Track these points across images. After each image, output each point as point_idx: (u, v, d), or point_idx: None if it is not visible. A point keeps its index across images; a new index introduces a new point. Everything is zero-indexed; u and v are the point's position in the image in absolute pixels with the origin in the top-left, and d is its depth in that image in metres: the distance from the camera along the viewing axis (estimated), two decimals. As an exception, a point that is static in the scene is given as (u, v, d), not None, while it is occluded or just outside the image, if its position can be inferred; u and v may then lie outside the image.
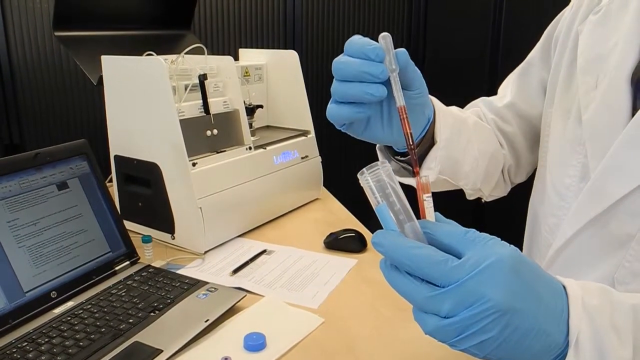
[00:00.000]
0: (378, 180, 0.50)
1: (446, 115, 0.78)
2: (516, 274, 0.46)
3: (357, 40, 0.59)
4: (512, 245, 0.47)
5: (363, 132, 0.67)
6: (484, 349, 0.46)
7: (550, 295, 0.48)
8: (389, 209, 0.49)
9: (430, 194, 0.51)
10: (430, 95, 0.76)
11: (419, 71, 0.65)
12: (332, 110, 0.62)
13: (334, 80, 0.61)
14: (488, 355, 0.47)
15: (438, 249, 0.48)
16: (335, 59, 0.60)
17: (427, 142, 0.76)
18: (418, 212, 0.51)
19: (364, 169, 0.50)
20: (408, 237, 0.49)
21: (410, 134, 0.58)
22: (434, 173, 0.77)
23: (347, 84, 0.59)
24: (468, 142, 0.84)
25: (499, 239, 0.48)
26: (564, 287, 0.50)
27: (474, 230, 0.49)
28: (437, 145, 0.77)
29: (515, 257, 0.46)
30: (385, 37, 0.58)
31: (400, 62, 0.60)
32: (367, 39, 0.59)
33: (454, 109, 0.88)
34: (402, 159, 0.77)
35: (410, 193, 0.52)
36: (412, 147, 0.58)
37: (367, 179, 0.50)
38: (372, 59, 0.57)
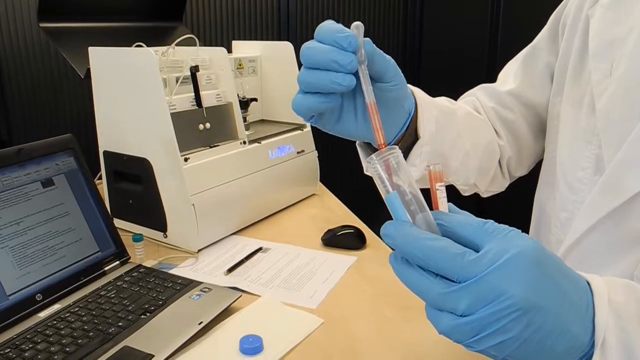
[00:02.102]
0: (388, 167, 0.46)
1: (430, 108, 0.73)
2: (539, 269, 0.42)
3: (329, 26, 0.54)
4: (533, 238, 0.43)
5: (335, 126, 0.62)
6: (503, 350, 0.42)
7: (574, 291, 0.44)
8: (400, 199, 0.45)
9: (443, 184, 0.47)
10: (412, 87, 0.71)
11: (392, 61, 0.60)
12: (297, 101, 0.58)
13: (301, 67, 0.56)
14: (507, 356, 0.43)
15: (454, 242, 0.44)
16: (305, 44, 0.55)
17: (410, 137, 0.71)
18: (430, 203, 0.47)
19: (373, 155, 0.46)
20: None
21: (380, 129, 0.53)
22: (418, 170, 0.72)
23: (313, 72, 0.55)
24: (457, 136, 0.79)
25: (520, 230, 0.44)
26: (588, 283, 0.46)
27: (492, 221, 0.45)
28: (421, 141, 0.71)
29: (538, 250, 0.42)
30: (358, 27, 0.54)
31: (367, 52, 0.55)
32: (339, 25, 0.54)
33: (441, 100, 0.83)
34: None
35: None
36: (383, 144, 0.52)
37: (375, 166, 0.46)
38: (344, 48, 0.53)
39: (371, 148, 0.72)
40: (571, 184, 0.77)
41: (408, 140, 0.70)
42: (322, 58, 0.53)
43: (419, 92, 0.72)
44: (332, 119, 0.62)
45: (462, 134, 0.80)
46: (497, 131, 0.91)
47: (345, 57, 0.52)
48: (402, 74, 0.62)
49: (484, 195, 0.94)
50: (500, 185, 0.95)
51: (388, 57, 0.59)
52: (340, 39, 0.52)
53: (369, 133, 0.61)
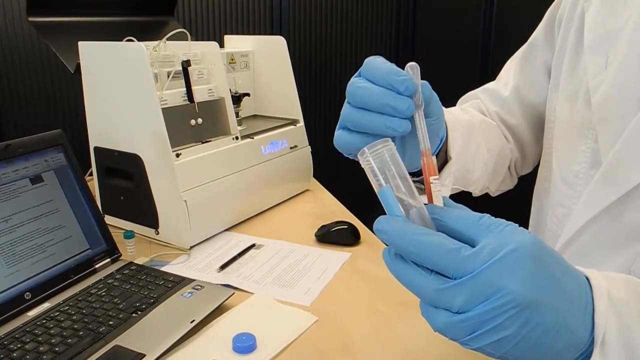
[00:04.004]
0: (381, 160, 0.44)
1: (456, 127, 0.73)
2: (537, 264, 0.41)
3: (380, 65, 0.51)
4: (532, 233, 0.42)
5: None
6: (501, 347, 0.41)
7: (573, 287, 0.43)
8: (393, 193, 0.44)
9: (437, 177, 0.46)
10: None
11: (437, 96, 0.58)
12: (342, 139, 0.54)
13: (345, 103, 0.53)
14: (504, 354, 0.42)
15: (449, 237, 0.42)
16: (352, 82, 0.53)
17: (440, 159, 0.72)
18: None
19: (365, 147, 0.45)
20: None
21: (430, 186, 0.49)
22: (447, 189, 0.72)
23: (364, 113, 0.51)
24: (477, 148, 0.80)
25: (517, 224, 0.43)
26: (587, 278, 0.45)
27: (488, 215, 0.44)
28: (451, 161, 0.72)
29: (536, 245, 0.41)
30: (413, 68, 0.51)
31: (425, 95, 0.52)
32: (392, 66, 0.51)
33: (456, 111, 0.83)
34: (414, 179, 0.71)
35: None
36: (431, 195, 0.48)
37: (368, 159, 0.45)
38: (400, 92, 0.50)
39: None
40: (567, 179, 0.76)
41: (438, 162, 0.71)
42: (375, 101, 0.50)
43: (444, 111, 0.71)
44: None
45: (480, 144, 0.81)
46: (504, 135, 0.91)
47: (402, 102, 0.49)
48: (442, 106, 0.60)
49: (494, 194, 0.96)
50: (509, 184, 0.97)
51: (435, 94, 0.57)
52: (396, 83, 0.50)
53: (407, 166, 0.61)
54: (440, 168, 0.72)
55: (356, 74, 0.54)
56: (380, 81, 0.51)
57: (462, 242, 0.42)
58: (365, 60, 0.53)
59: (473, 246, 0.42)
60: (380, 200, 0.45)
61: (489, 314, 0.40)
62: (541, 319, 0.40)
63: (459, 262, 0.41)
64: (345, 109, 0.53)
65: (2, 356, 0.71)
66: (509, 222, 0.43)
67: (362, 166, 0.46)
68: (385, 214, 0.45)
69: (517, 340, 0.41)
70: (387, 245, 0.45)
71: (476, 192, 0.87)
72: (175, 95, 1.12)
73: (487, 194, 0.97)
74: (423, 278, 0.42)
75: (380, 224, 0.44)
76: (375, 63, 0.52)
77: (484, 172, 0.83)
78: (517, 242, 0.41)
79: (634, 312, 0.44)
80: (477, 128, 0.82)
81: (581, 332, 0.42)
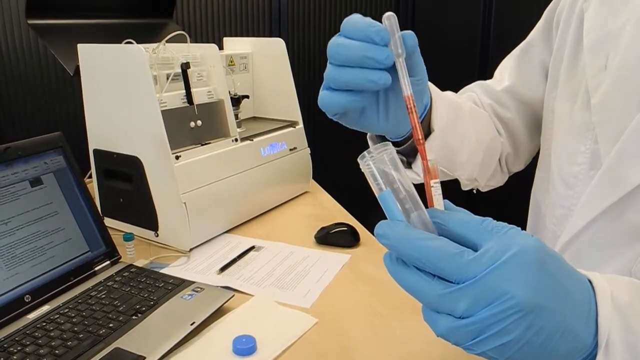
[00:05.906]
0: (381, 164, 0.44)
1: (443, 102, 0.73)
2: (541, 268, 0.40)
3: (357, 21, 0.52)
4: (534, 236, 0.42)
5: (357, 121, 0.61)
6: (504, 352, 0.41)
7: (577, 290, 0.43)
8: (394, 197, 0.44)
9: (438, 180, 0.46)
10: None
11: (421, 57, 0.58)
12: (326, 98, 0.55)
13: (327, 64, 0.54)
14: (508, 359, 0.42)
15: (451, 241, 0.42)
16: (331, 41, 0.53)
17: (423, 130, 0.70)
18: (425, 200, 0.46)
19: (365, 152, 0.45)
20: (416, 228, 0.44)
21: (419, 125, 0.50)
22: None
23: (345, 70, 0.52)
24: (465, 130, 0.79)
25: (519, 228, 0.43)
26: (590, 281, 0.45)
27: (490, 219, 0.43)
28: (434, 134, 0.71)
29: (540, 249, 0.41)
30: (390, 18, 0.51)
31: (408, 46, 0.52)
32: (369, 19, 0.52)
33: (448, 94, 0.83)
34: (397, 149, 0.71)
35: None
36: (422, 140, 0.50)
37: (368, 163, 0.44)
38: (376, 43, 0.50)
39: (382, 141, 0.71)
40: (566, 180, 0.76)
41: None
42: (353, 55, 0.51)
43: (432, 86, 0.72)
44: (356, 115, 0.60)
45: (469, 128, 0.80)
46: (497, 128, 0.91)
47: (380, 52, 0.50)
48: (425, 70, 0.61)
49: (484, 189, 0.95)
50: (499, 179, 0.95)
51: (418, 49, 0.57)
52: (372, 34, 0.50)
53: (388, 127, 0.61)
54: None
55: (337, 34, 0.54)
56: (357, 36, 0.51)
57: (464, 246, 0.42)
58: (344, 19, 0.53)
59: (475, 250, 0.41)
60: (381, 205, 0.45)
61: (493, 319, 0.39)
62: (545, 322, 0.40)
63: (462, 267, 0.40)
64: (328, 69, 0.54)
65: (2, 359, 0.71)
66: (512, 226, 0.43)
67: (362, 170, 0.45)
68: (385, 217, 0.45)
69: (520, 344, 0.40)
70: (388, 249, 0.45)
71: (463, 180, 0.85)
72: (175, 97, 1.12)
73: (482, 195, 0.97)
74: (425, 283, 0.42)
75: (381, 228, 0.44)
76: (352, 20, 0.53)
77: (471, 157, 0.81)
78: (520, 245, 0.40)
79: (638, 315, 0.44)
80: (467, 114, 0.82)
81: (585, 335, 0.42)
